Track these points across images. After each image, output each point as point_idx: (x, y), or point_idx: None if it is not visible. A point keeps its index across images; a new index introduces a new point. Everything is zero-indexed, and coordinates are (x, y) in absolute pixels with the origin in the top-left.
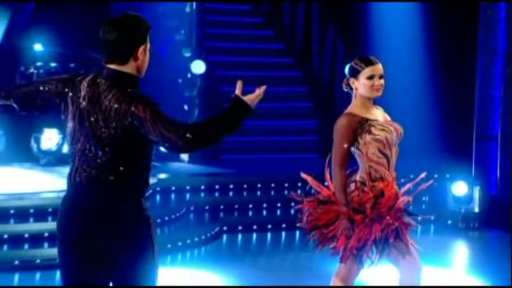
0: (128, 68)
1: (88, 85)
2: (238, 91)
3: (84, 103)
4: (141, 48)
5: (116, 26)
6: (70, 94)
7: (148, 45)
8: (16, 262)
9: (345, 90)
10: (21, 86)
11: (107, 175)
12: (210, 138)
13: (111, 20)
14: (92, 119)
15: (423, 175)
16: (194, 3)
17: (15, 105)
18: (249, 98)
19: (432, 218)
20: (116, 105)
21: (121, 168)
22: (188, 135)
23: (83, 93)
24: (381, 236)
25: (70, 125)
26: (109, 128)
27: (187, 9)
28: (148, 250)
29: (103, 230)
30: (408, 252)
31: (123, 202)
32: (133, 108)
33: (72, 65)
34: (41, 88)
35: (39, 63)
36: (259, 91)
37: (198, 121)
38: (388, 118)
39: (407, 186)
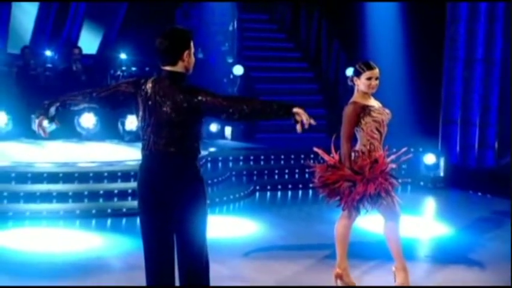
0: (179, 68)
1: (153, 84)
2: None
3: (151, 96)
4: (186, 52)
5: (165, 37)
6: (138, 92)
7: (192, 50)
8: (109, 210)
9: (350, 84)
10: (101, 92)
11: (169, 147)
12: (255, 116)
13: (162, 33)
14: (159, 107)
15: (404, 149)
16: (235, 24)
17: (96, 106)
18: (297, 109)
19: (409, 180)
20: (181, 96)
21: (180, 141)
22: (245, 108)
23: (149, 90)
24: (374, 192)
25: (141, 113)
26: (172, 112)
27: (230, 28)
28: (201, 202)
29: (167, 186)
30: (393, 204)
31: (182, 166)
32: (199, 98)
33: (147, 68)
34: (116, 92)
35: (123, 68)
36: (307, 116)
37: (251, 98)
38: (380, 105)
39: (392, 156)
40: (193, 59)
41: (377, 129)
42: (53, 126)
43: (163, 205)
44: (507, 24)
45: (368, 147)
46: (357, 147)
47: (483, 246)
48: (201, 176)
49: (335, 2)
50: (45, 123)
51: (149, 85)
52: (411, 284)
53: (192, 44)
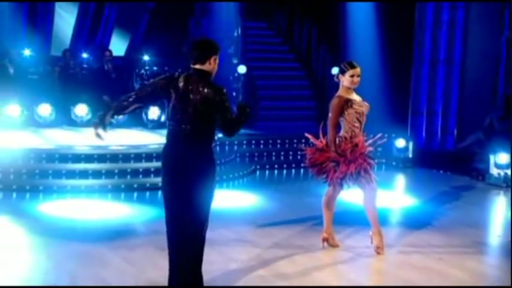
0: (205, 67)
1: (184, 80)
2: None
3: (182, 89)
4: (213, 58)
5: (200, 42)
6: (171, 85)
7: (217, 57)
8: (135, 185)
9: (335, 81)
10: (141, 93)
11: (192, 132)
12: (238, 130)
13: (199, 39)
14: (188, 98)
15: (379, 135)
16: (239, 30)
17: (142, 105)
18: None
19: (384, 161)
20: (206, 90)
21: (199, 128)
22: (230, 130)
23: (181, 84)
24: (355, 171)
25: (171, 104)
26: (198, 104)
27: (235, 34)
28: (212, 178)
29: (186, 164)
30: (370, 180)
31: (199, 149)
32: (219, 97)
33: (166, 68)
34: (154, 89)
35: (147, 67)
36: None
37: (235, 119)
38: (361, 99)
39: (370, 141)
40: (216, 65)
41: (358, 119)
42: (106, 131)
43: (182, 178)
44: (465, 30)
45: (350, 133)
46: (341, 133)
47: (444, 214)
48: (213, 158)
49: (323, 13)
50: (101, 131)
51: (181, 80)
52: (384, 245)
53: (218, 53)
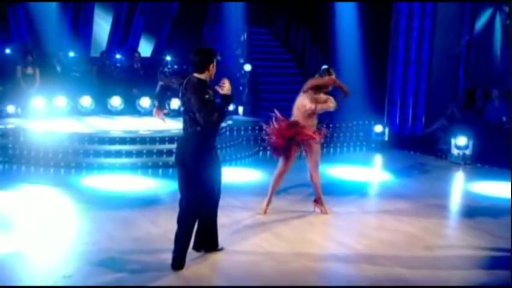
0: (203, 76)
1: (184, 87)
2: (222, 90)
3: (182, 96)
4: (211, 65)
5: (197, 53)
6: (181, 86)
7: (215, 63)
8: (160, 163)
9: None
10: (166, 81)
11: (186, 129)
12: (217, 121)
13: (196, 49)
14: (184, 105)
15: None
16: (245, 35)
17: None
18: (227, 90)
19: (365, 143)
20: (196, 93)
21: (190, 126)
22: (207, 122)
23: (182, 90)
24: (284, 145)
25: (180, 101)
26: (189, 112)
27: (242, 38)
28: (206, 166)
29: (188, 151)
30: (315, 158)
31: (188, 143)
32: (189, 95)
33: (184, 66)
34: (173, 83)
35: (169, 66)
36: (227, 84)
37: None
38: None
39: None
40: (214, 70)
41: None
42: (166, 111)
43: (181, 166)
44: (432, 35)
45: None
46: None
47: (413, 186)
48: (197, 153)
49: (314, 20)
50: (161, 114)
51: (185, 83)
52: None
53: (215, 59)
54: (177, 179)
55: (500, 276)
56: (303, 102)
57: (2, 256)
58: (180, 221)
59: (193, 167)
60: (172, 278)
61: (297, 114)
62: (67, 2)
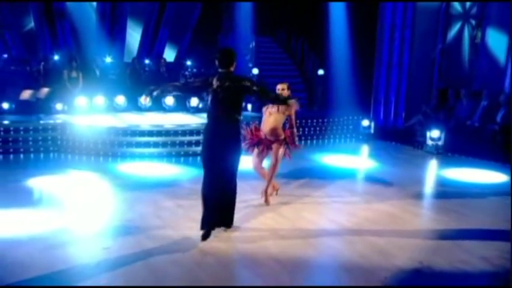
0: (231, 69)
1: (216, 79)
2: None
3: (216, 87)
4: (234, 63)
5: (225, 52)
6: (206, 84)
7: (236, 61)
8: (182, 153)
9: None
10: (182, 85)
11: (223, 114)
12: (269, 99)
13: (223, 49)
14: (218, 93)
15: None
16: (253, 43)
17: (180, 93)
18: (290, 101)
19: (354, 135)
20: (228, 84)
21: (229, 111)
22: (271, 98)
23: (215, 83)
24: (253, 143)
25: (209, 97)
26: (224, 95)
27: (251, 46)
28: (236, 150)
29: (219, 139)
30: (276, 156)
31: (227, 127)
32: (242, 83)
33: (202, 70)
34: (196, 85)
35: (189, 69)
36: (295, 104)
37: (269, 91)
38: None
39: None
40: (235, 65)
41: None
42: (150, 103)
43: (215, 148)
44: (412, 43)
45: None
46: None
47: (394, 172)
48: (238, 131)
49: (312, 31)
50: (148, 100)
51: (214, 80)
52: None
53: (236, 58)
54: (208, 159)
55: (464, 247)
56: (281, 120)
57: (53, 230)
58: (225, 187)
59: (232, 143)
60: (193, 251)
61: (273, 119)
62: (104, 15)
